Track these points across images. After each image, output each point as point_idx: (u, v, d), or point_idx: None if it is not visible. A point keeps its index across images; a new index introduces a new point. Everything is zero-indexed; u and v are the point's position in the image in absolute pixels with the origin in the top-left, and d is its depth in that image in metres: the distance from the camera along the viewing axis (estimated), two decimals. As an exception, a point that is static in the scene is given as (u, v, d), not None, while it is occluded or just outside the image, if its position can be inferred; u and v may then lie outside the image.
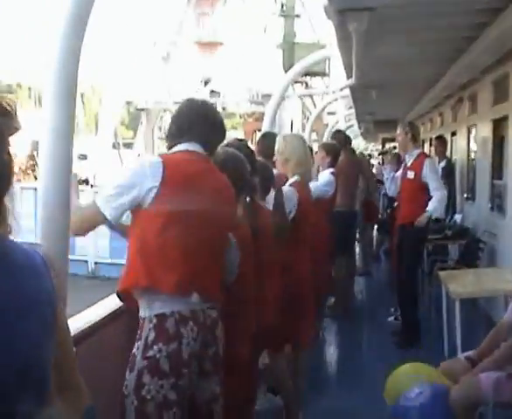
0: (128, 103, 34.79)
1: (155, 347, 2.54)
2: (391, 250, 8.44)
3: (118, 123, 33.09)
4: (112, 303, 3.00)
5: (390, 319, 7.50)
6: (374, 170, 15.01)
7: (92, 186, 22.30)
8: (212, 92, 31.53)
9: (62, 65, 2.27)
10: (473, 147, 9.61)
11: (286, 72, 18.67)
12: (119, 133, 33.66)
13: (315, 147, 8.44)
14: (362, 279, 10.02)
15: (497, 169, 7.79)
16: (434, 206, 6.50)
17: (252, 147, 4.41)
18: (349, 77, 7.74)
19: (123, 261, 2.71)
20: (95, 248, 16.60)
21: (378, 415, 4.29)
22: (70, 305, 2.14)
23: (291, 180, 4.49)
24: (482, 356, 3.67)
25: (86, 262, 17.04)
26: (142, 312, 2.63)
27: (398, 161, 9.26)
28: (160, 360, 2.53)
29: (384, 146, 22.12)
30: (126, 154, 31.48)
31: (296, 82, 23.80)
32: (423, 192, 6.54)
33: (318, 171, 6.72)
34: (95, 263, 17.27)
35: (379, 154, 19.98)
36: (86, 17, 2.32)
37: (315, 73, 29.07)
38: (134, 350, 2.59)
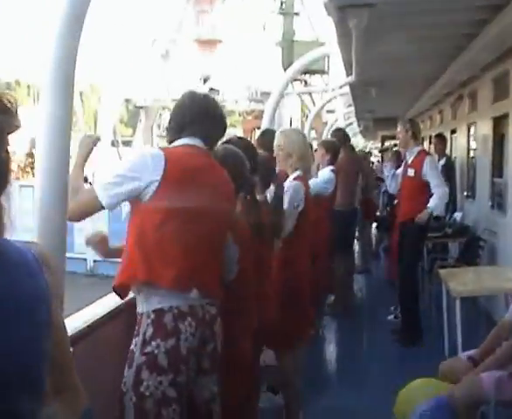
0: (127, 101, 34.88)
1: (153, 343, 2.52)
2: (391, 247, 8.43)
3: (117, 121, 33.14)
4: (111, 301, 2.98)
5: (390, 317, 7.48)
6: (373, 167, 15.01)
7: (91, 184, 22.25)
8: (211, 89, 31.52)
9: (59, 65, 2.26)
10: (473, 144, 9.60)
11: (285, 69, 18.66)
12: (118, 130, 33.68)
13: (315, 145, 8.42)
14: (361, 277, 10.02)
15: (497, 167, 7.77)
16: (435, 203, 6.48)
17: (252, 144, 4.38)
18: (348, 74, 7.72)
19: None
20: (94, 246, 16.55)
21: (378, 413, 4.28)
22: (68, 303, 2.11)
23: (294, 174, 4.39)
24: (484, 355, 3.65)
25: (85, 260, 16.99)
26: (140, 308, 2.61)
27: (399, 158, 9.24)
28: (158, 356, 2.51)
29: (383, 143, 22.12)
30: (125, 152, 31.47)
31: (295, 80, 23.78)
32: (423, 190, 6.53)
33: (318, 169, 6.70)
34: (94, 261, 17.22)
35: (380, 152, 19.96)
36: (83, 17, 2.31)
37: (314, 71, 29.15)
38: (132, 346, 2.57)
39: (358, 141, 25.21)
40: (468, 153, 10.02)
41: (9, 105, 1.33)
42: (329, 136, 9.89)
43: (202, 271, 2.64)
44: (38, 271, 1.36)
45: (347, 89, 9.94)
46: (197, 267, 2.62)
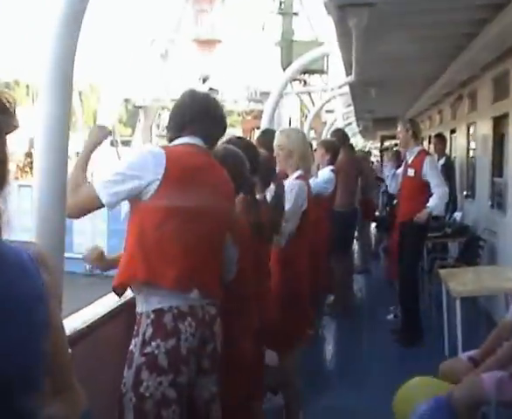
0: (126, 100, 34.86)
1: (152, 343, 2.51)
2: (390, 247, 8.42)
3: (116, 121, 33.11)
4: (110, 301, 2.97)
5: (390, 316, 7.48)
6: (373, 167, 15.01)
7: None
8: (210, 89, 31.45)
9: (57, 64, 2.25)
10: (473, 144, 9.59)
11: (284, 69, 18.64)
12: (117, 130, 33.63)
13: (314, 145, 8.41)
14: (360, 277, 10.02)
15: (497, 167, 7.76)
16: (435, 203, 6.48)
17: (252, 144, 4.36)
18: (348, 74, 7.71)
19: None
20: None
21: (378, 412, 4.27)
22: (67, 303, 2.11)
23: (295, 174, 4.36)
24: (485, 356, 3.64)
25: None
26: (139, 308, 2.60)
27: (399, 158, 9.23)
28: (158, 357, 2.50)
29: (382, 143, 22.13)
30: (124, 152, 31.45)
31: (294, 80, 23.78)
32: (423, 190, 6.52)
33: (318, 168, 6.69)
34: (93, 261, 17.24)
35: (380, 152, 19.97)
36: (81, 16, 2.30)
37: (314, 71, 29.14)
38: (132, 347, 2.56)
39: (357, 141, 25.20)
40: (468, 152, 10.02)
41: (7, 104, 1.32)
42: (329, 136, 9.89)
43: (202, 270, 2.63)
44: (34, 271, 1.35)
45: (346, 89, 9.93)
46: (198, 267, 2.61)
